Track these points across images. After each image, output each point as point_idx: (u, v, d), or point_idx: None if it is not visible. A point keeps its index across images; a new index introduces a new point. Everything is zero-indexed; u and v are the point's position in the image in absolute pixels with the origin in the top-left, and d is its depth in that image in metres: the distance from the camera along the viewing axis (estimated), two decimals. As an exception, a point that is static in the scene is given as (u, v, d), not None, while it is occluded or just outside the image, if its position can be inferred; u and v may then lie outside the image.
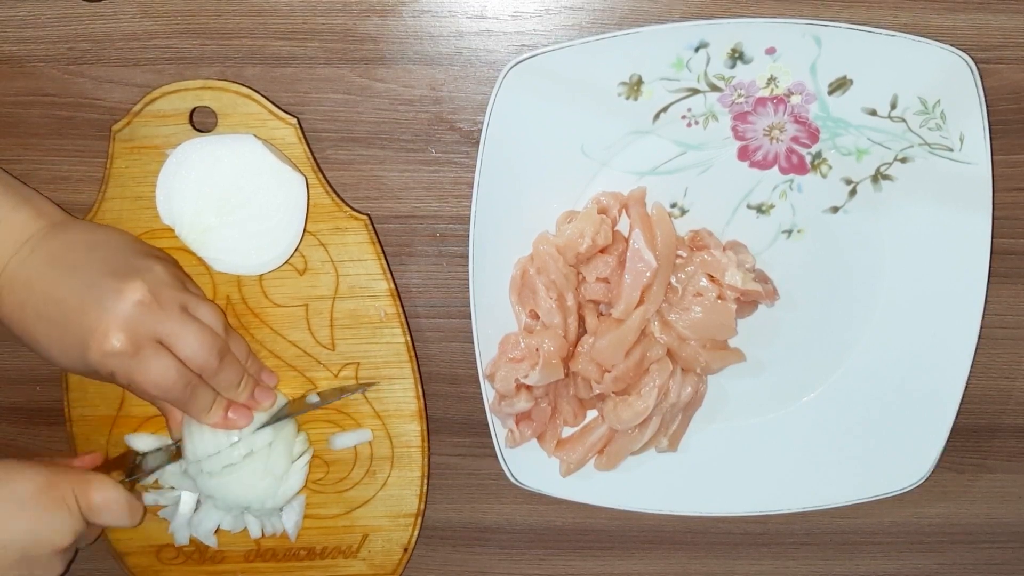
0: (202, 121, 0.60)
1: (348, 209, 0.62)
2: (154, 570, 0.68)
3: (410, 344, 0.64)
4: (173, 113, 0.60)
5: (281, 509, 0.66)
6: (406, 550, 0.68)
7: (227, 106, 0.60)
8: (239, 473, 0.62)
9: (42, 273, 0.56)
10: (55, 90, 0.61)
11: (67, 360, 0.57)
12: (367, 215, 0.62)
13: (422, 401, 0.65)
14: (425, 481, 0.67)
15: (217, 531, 0.66)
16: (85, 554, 0.71)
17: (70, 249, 0.57)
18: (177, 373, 0.57)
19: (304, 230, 0.61)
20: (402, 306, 0.64)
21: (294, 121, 0.60)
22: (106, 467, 0.62)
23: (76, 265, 0.56)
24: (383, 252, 0.63)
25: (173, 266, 0.61)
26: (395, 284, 0.63)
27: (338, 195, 0.62)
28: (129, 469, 0.62)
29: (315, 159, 0.61)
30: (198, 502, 0.65)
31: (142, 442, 0.64)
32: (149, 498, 0.66)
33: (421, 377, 0.65)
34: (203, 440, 0.62)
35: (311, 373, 0.65)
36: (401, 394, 0.65)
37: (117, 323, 0.55)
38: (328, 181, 0.62)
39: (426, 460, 0.66)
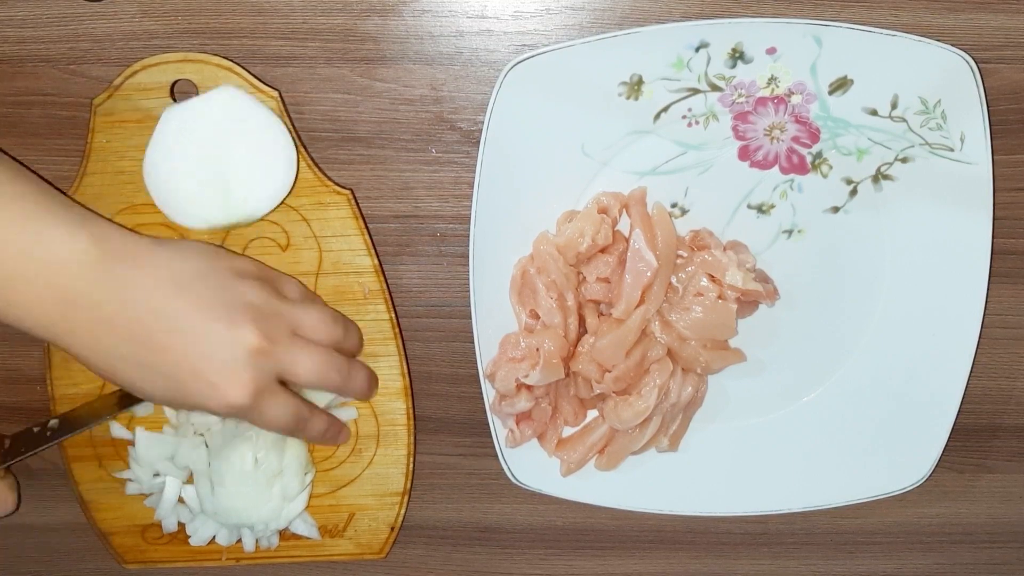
0: (183, 94, 0.60)
1: (330, 184, 0.61)
2: (139, 549, 0.68)
3: (395, 320, 0.64)
4: (154, 86, 0.59)
5: (288, 526, 0.66)
6: (393, 529, 0.68)
7: (208, 78, 0.59)
8: (249, 493, 0.63)
9: (122, 313, 0.51)
10: (55, 90, 0.61)
11: (160, 398, 0.54)
12: (350, 189, 0.62)
13: (407, 379, 0.65)
14: (411, 459, 0.66)
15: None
16: (84, 554, 0.71)
17: (152, 286, 0.52)
18: (293, 412, 0.56)
19: (297, 167, 0.60)
20: (386, 282, 0.63)
21: (275, 94, 0.60)
22: None
23: (167, 309, 0.52)
24: (367, 227, 0.62)
25: (259, 272, 0.58)
26: (379, 260, 0.63)
27: (320, 170, 0.62)
28: (1, 456, 0.59)
29: (297, 132, 0.61)
30: (203, 509, 0.66)
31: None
32: (132, 487, 0.66)
33: (407, 354, 0.65)
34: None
35: None
36: (387, 371, 0.65)
37: (239, 379, 0.52)
38: (311, 155, 0.62)
39: (412, 438, 0.66)
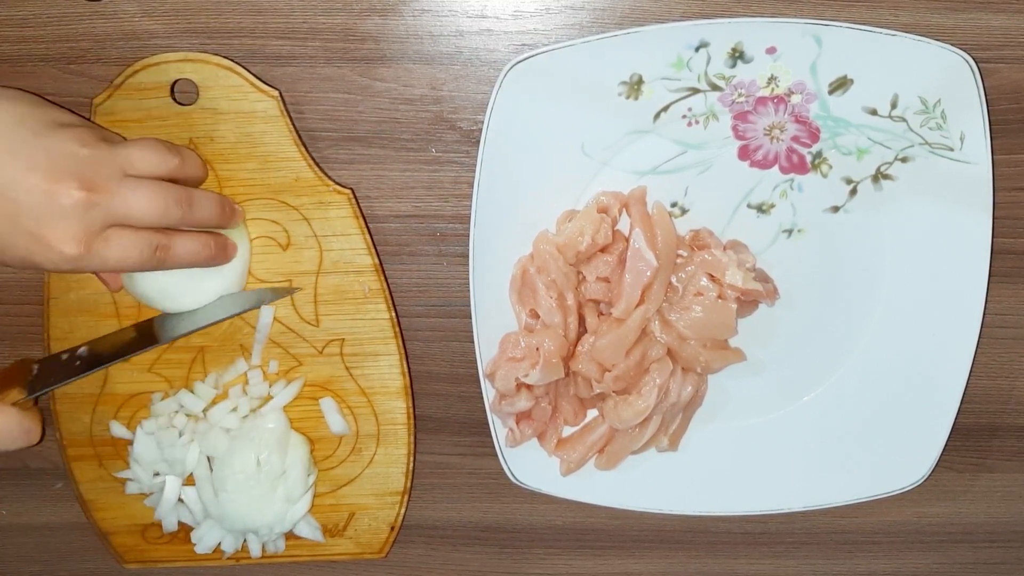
0: (183, 94, 0.60)
1: (331, 183, 0.62)
2: (140, 549, 0.68)
3: (395, 320, 0.64)
4: (154, 86, 0.59)
5: (293, 529, 0.66)
6: (393, 528, 0.68)
7: (208, 78, 0.59)
8: (253, 497, 0.63)
9: None
10: (55, 90, 0.61)
11: (5, 260, 0.53)
12: (350, 189, 0.62)
13: (407, 378, 0.65)
14: (411, 459, 0.66)
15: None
16: (84, 553, 0.71)
17: None
18: (141, 245, 0.54)
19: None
20: (386, 281, 0.63)
21: (276, 93, 0.60)
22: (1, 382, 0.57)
23: None
24: (367, 227, 0.62)
25: (80, 121, 0.55)
26: (379, 259, 0.63)
27: (321, 169, 0.62)
28: (29, 385, 0.57)
29: (297, 132, 0.61)
30: (208, 515, 0.65)
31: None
32: (132, 486, 0.66)
33: (407, 353, 0.65)
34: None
35: (295, 350, 0.64)
36: (387, 370, 0.65)
37: (65, 232, 0.50)
38: (311, 155, 0.62)
39: (412, 438, 0.66)
